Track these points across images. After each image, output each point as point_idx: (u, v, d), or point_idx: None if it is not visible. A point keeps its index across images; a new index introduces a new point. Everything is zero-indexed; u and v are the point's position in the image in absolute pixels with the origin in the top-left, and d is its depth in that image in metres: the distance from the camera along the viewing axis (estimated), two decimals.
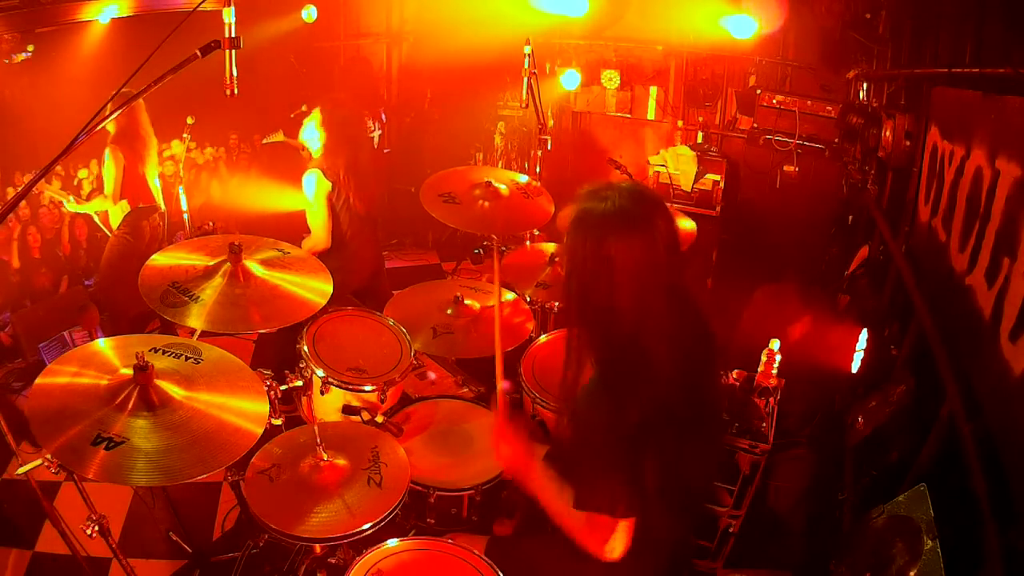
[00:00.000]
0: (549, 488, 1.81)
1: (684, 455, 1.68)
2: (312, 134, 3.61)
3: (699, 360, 1.72)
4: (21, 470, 2.03)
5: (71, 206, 4.56)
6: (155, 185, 4.80)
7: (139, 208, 4.66)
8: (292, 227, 3.91)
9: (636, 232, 1.58)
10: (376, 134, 7.02)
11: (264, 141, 6.53)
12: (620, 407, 1.57)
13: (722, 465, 2.92)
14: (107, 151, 4.45)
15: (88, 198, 4.84)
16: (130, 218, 4.64)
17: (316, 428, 2.27)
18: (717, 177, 6.11)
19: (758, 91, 6.11)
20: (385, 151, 7.14)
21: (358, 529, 2.10)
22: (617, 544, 1.64)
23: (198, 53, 1.91)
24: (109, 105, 2.04)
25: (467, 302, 3.13)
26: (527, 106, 3.71)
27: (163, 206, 4.95)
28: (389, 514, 2.17)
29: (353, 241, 3.76)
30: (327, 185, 3.58)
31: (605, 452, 1.59)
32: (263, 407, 2.20)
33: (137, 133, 4.56)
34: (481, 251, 3.86)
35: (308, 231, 3.75)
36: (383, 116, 7.09)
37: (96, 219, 4.79)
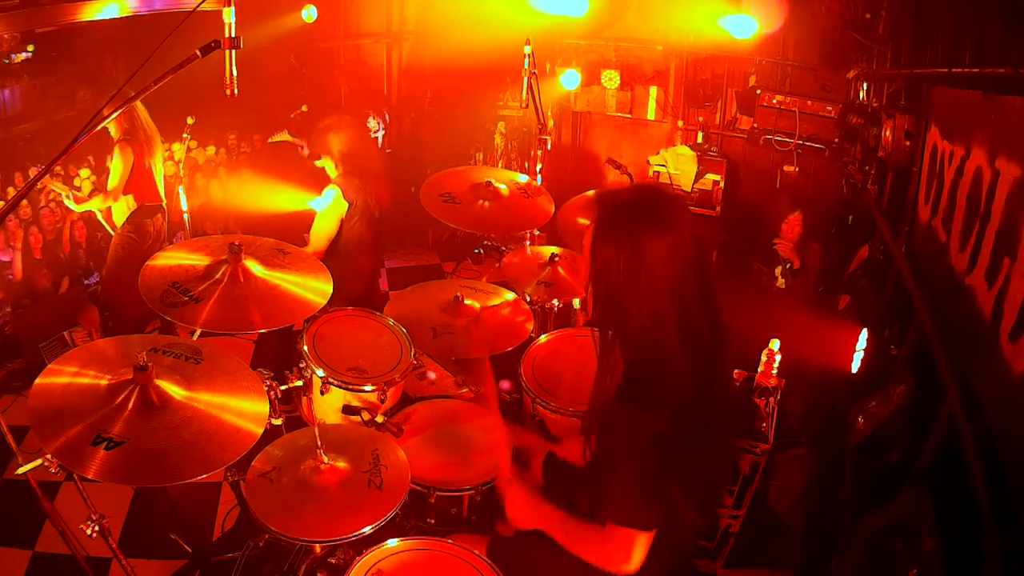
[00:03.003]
0: (560, 522, 1.79)
1: (705, 459, 1.67)
2: (329, 194, 3.64)
3: (717, 362, 1.70)
4: (21, 470, 2.03)
5: (69, 203, 4.55)
6: (161, 183, 4.79)
7: (144, 207, 4.66)
8: (292, 227, 3.91)
9: (668, 232, 1.57)
10: (380, 133, 7.01)
11: (270, 140, 6.54)
12: (648, 417, 1.55)
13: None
14: (116, 148, 4.45)
15: (88, 197, 4.84)
16: (135, 216, 4.63)
17: (317, 431, 2.27)
18: (717, 177, 6.11)
19: (758, 91, 6.11)
20: (387, 151, 7.13)
21: (358, 532, 2.10)
22: (636, 558, 1.63)
23: (198, 53, 1.91)
24: (109, 105, 2.04)
25: (467, 302, 3.12)
26: (527, 106, 3.70)
27: (165, 204, 4.95)
28: (388, 517, 2.16)
29: (361, 255, 3.75)
30: (344, 206, 3.58)
31: (638, 465, 1.57)
32: (263, 407, 2.20)
33: (141, 128, 4.56)
34: (481, 251, 3.86)
35: (307, 231, 3.75)
36: (386, 116, 7.08)
37: (99, 216, 4.78)
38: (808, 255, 4.59)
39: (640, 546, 1.62)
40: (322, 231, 3.60)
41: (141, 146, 4.54)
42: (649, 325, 1.58)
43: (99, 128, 1.97)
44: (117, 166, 4.46)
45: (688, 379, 1.58)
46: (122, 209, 4.61)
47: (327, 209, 3.57)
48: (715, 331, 1.65)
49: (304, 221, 3.84)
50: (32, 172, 5.10)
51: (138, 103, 4.46)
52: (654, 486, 1.58)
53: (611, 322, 1.65)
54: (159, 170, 4.74)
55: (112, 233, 4.73)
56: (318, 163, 3.79)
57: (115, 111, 2.06)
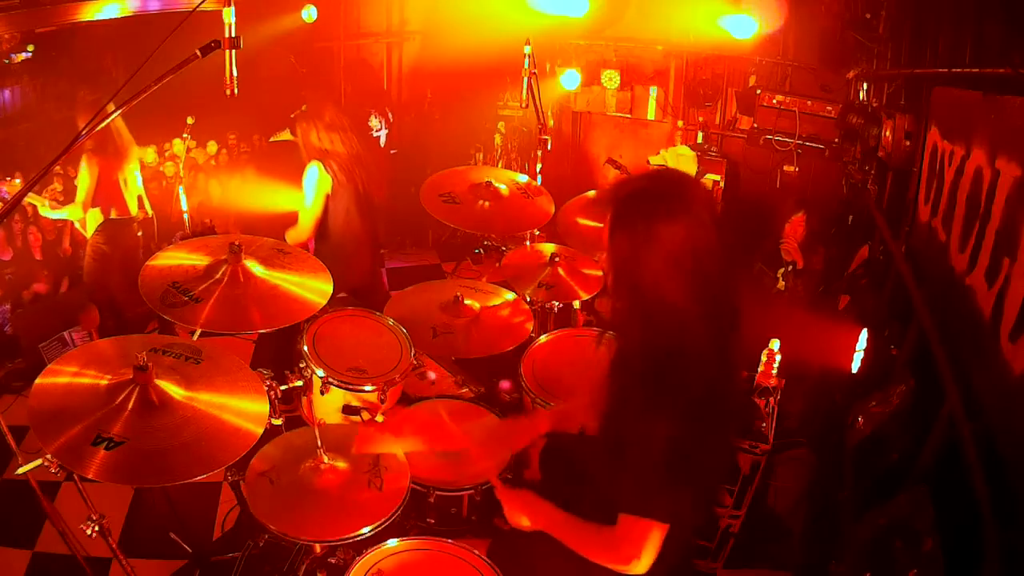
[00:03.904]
0: (563, 521, 1.78)
1: (712, 456, 1.65)
2: (312, 170, 3.63)
3: (730, 354, 1.68)
4: (21, 470, 2.03)
5: (45, 211, 4.53)
6: (137, 187, 4.75)
7: (116, 219, 4.63)
8: (291, 227, 3.90)
9: (683, 215, 1.55)
10: (382, 132, 7.00)
11: (271, 139, 6.54)
12: (670, 409, 1.54)
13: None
14: (83, 160, 4.41)
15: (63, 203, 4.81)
16: (106, 228, 4.61)
17: (317, 432, 2.26)
18: (717, 177, 6.11)
19: (758, 91, 6.11)
20: (392, 152, 7.11)
21: (357, 533, 2.10)
22: (648, 556, 1.61)
23: (198, 53, 1.91)
24: (109, 105, 2.03)
25: (467, 302, 3.12)
26: (527, 106, 3.70)
27: (150, 211, 4.94)
28: (388, 519, 2.16)
29: (352, 242, 3.77)
30: (327, 180, 3.59)
31: (658, 457, 1.56)
32: (263, 407, 2.20)
33: (112, 141, 4.50)
34: (481, 251, 3.86)
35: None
36: (389, 115, 7.06)
37: (77, 226, 4.75)
38: (812, 257, 4.62)
39: (653, 543, 1.60)
40: (308, 211, 3.62)
41: (109, 159, 4.50)
42: (671, 312, 1.56)
43: (99, 128, 1.97)
44: (83, 178, 4.43)
45: (712, 367, 1.56)
46: (91, 220, 4.59)
47: (311, 186, 3.59)
48: (733, 316, 1.63)
49: None
50: (17, 180, 5.09)
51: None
52: (671, 479, 1.56)
53: (635, 312, 1.64)
54: (133, 182, 4.70)
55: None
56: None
57: (114, 112, 2.05)
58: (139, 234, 4.96)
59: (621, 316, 1.68)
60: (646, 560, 1.61)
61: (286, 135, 6.36)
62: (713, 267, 1.57)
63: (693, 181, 1.66)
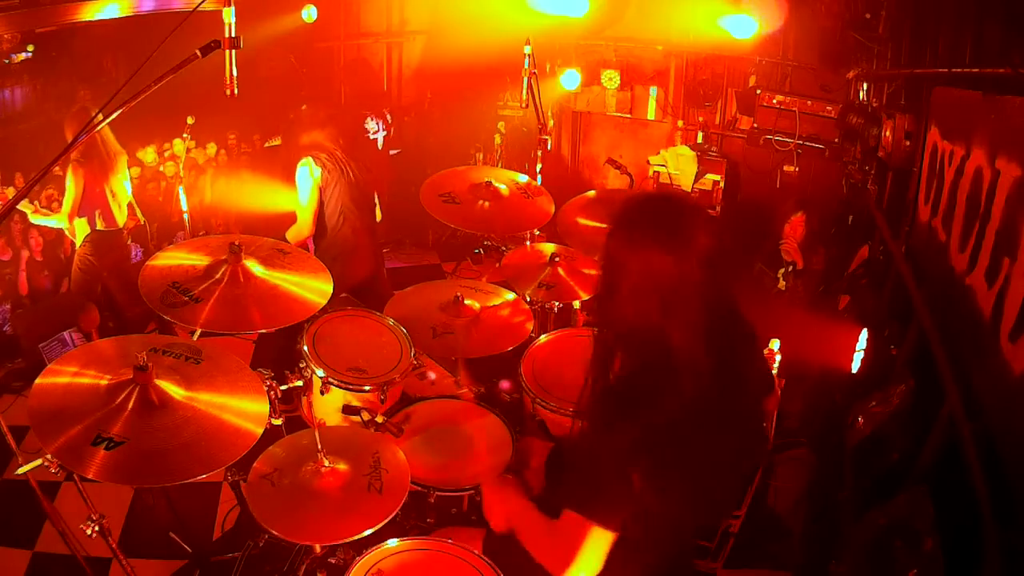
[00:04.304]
0: (528, 524, 1.79)
1: (702, 464, 1.64)
2: (302, 169, 3.73)
3: (735, 364, 1.65)
4: (21, 470, 2.03)
5: (33, 218, 4.51)
6: (127, 196, 4.74)
7: (104, 231, 4.62)
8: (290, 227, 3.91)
9: (672, 248, 1.54)
10: (380, 135, 7.00)
11: (266, 144, 6.56)
12: (622, 423, 1.54)
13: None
14: (68, 169, 4.39)
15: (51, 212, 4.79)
16: (93, 239, 4.60)
17: (318, 435, 2.26)
18: (717, 177, 6.12)
19: (758, 91, 6.11)
20: (393, 152, 7.10)
21: (356, 536, 2.10)
22: (583, 561, 1.56)
23: (198, 53, 1.91)
24: (113, 104, 2.03)
25: (467, 302, 3.12)
26: (527, 106, 3.71)
27: (142, 218, 4.93)
28: (385, 521, 2.16)
29: (351, 236, 3.79)
30: (318, 173, 3.69)
31: (605, 462, 1.56)
32: (263, 407, 2.20)
33: (98, 151, 4.48)
34: (481, 251, 3.87)
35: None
36: (388, 117, 7.06)
37: (67, 232, 4.75)
38: (812, 257, 4.64)
39: (592, 548, 1.56)
40: (304, 205, 3.71)
41: (95, 170, 4.47)
42: (648, 336, 1.56)
43: (98, 129, 1.98)
44: (69, 189, 4.42)
45: (685, 393, 1.54)
46: (80, 231, 4.59)
47: (304, 180, 3.69)
48: (728, 336, 1.61)
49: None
50: (17, 182, 5.09)
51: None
52: (620, 491, 1.54)
53: (613, 324, 1.65)
54: (121, 192, 4.68)
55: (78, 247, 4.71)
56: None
57: (113, 113, 2.05)
58: (129, 242, 4.96)
59: (599, 315, 1.69)
60: (578, 565, 1.57)
61: (279, 141, 6.41)
62: (706, 297, 1.55)
63: (693, 215, 1.61)
